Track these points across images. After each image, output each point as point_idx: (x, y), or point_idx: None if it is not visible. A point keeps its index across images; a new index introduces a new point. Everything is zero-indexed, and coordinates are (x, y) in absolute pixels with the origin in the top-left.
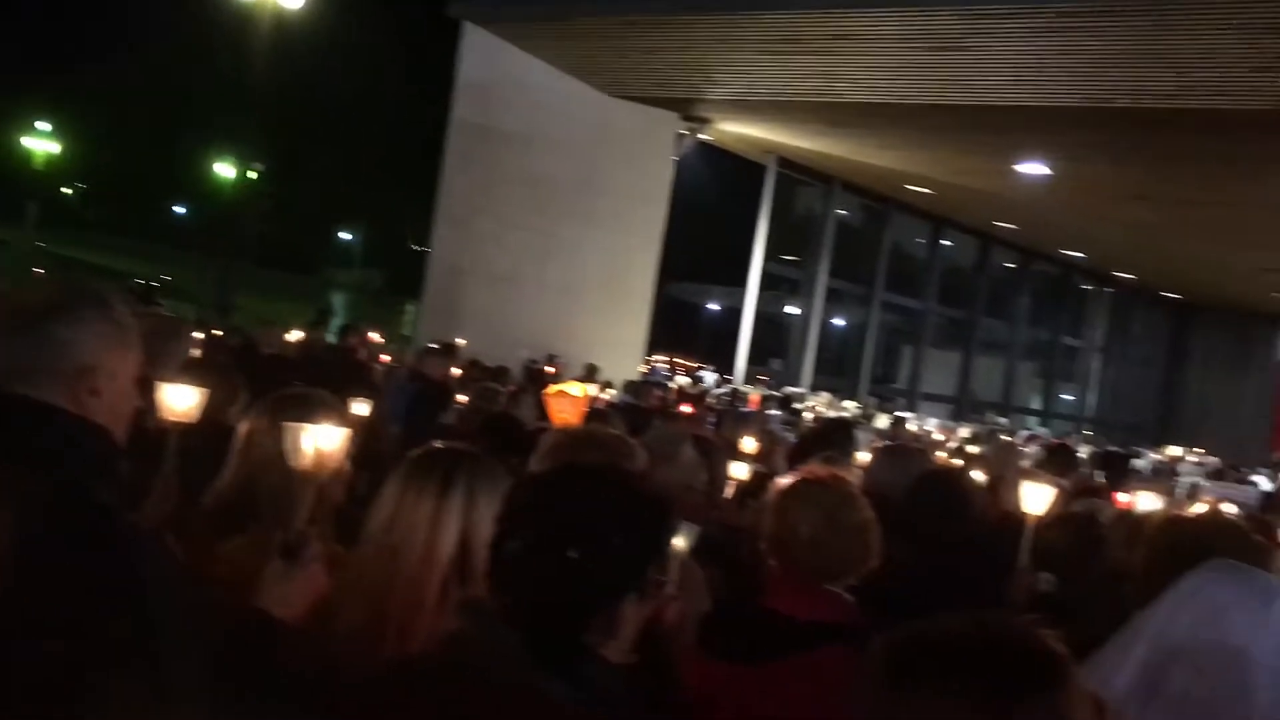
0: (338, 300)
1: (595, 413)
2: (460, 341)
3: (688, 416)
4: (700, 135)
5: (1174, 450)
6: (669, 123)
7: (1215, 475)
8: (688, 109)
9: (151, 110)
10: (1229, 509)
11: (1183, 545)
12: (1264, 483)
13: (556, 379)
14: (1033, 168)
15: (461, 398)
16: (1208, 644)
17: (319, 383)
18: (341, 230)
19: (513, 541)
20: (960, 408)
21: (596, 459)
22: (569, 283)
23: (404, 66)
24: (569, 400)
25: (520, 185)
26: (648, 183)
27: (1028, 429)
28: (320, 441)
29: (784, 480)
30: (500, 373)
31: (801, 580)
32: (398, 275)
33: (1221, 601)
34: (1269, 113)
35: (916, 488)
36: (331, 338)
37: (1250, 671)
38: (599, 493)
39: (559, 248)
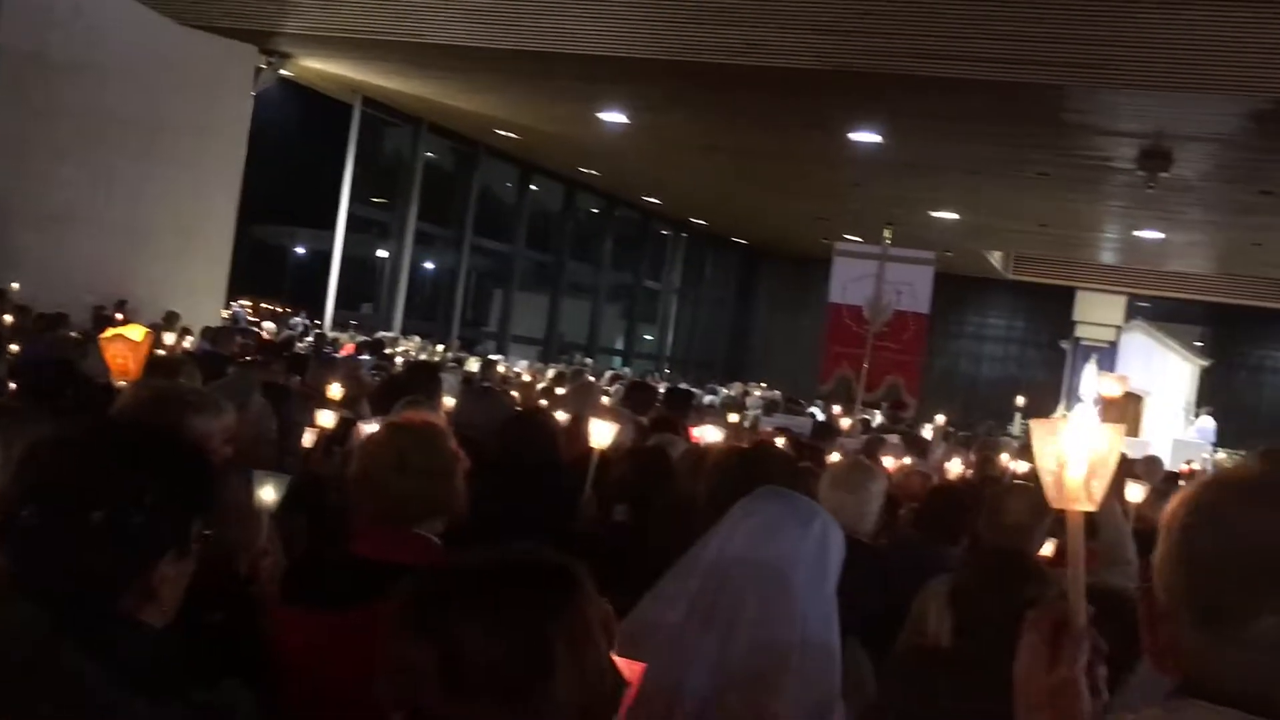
0: None
1: (168, 361)
2: (14, 286)
3: (263, 364)
4: (281, 71)
5: (743, 385)
6: (247, 56)
7: (775, 407)
8: (266, 42)
9: None
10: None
11: (739, 474)
12: (818, 413)
13: (127, 325)
14: (613, 116)
15: (13, 347)
16: (757, 564)
17: None
18: None
19: (26, 507)
20: (549, 349)
21: (172, 416)
22: (137, 224)
23: None
24: (126, 345)
25: (80, 119)
26: (224, 119)
27: (612, 368)
28: None
29: (367, 426)
30: (59, 320)
31: (386, 524)
32: None
33: (767, 525)
34: (821, 73)
35: (503, 429)
36: None
37: (793, 588)
38: (124, 450)
39: (125, 186)
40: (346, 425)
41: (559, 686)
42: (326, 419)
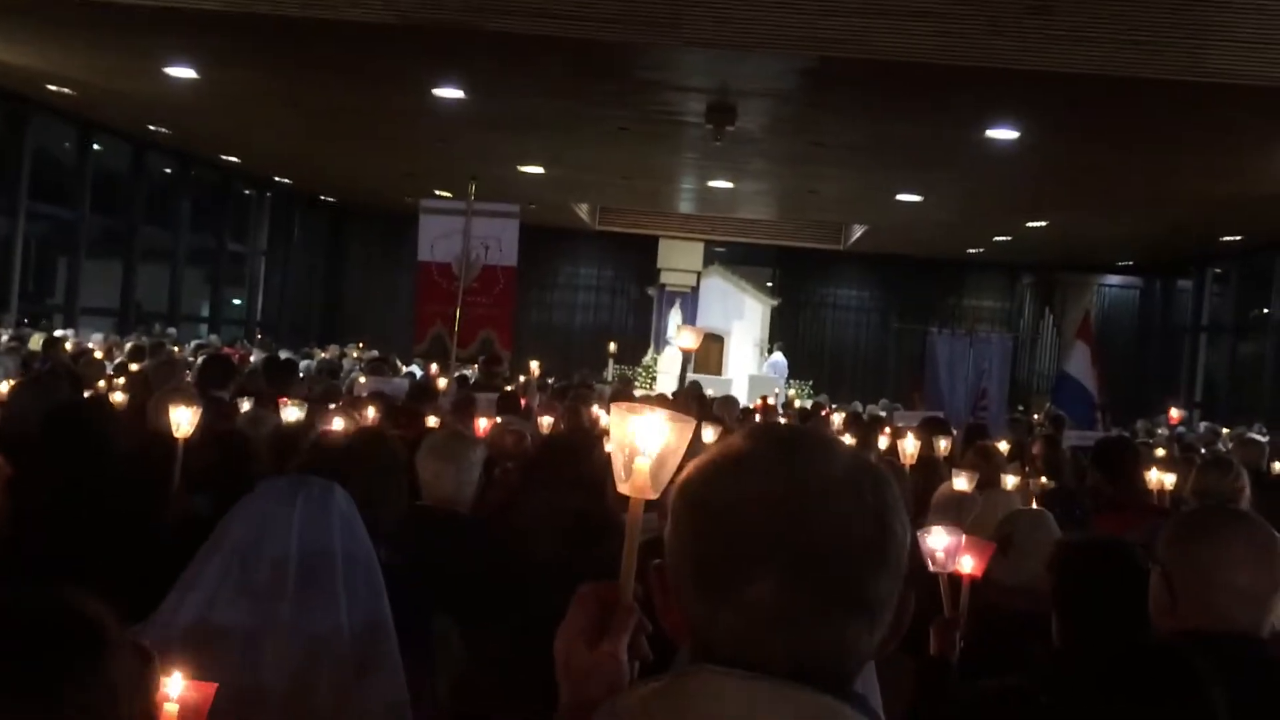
0: None
1: None
2: None
3: None
4: None
5: (339, 348)
6: None
7: (374, 369)
8: None
9: None
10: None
11: (319, 454)
12: (418, 371)
13: None
14: (180, 71)
15: None
16: (273, 544)
17: None
18: None
19: None
20: (125, 320)
21: None
22: None
23: None
24: None
25: None
26: None
27: (198, 338)
28: None
29: None
30: None
31: None
32: None
33: (281, 508)
34: (394, 27)
35: (47, 421)
36: None
37: (332, 563)
38: None
39: None
40: None
41: None
42: None
